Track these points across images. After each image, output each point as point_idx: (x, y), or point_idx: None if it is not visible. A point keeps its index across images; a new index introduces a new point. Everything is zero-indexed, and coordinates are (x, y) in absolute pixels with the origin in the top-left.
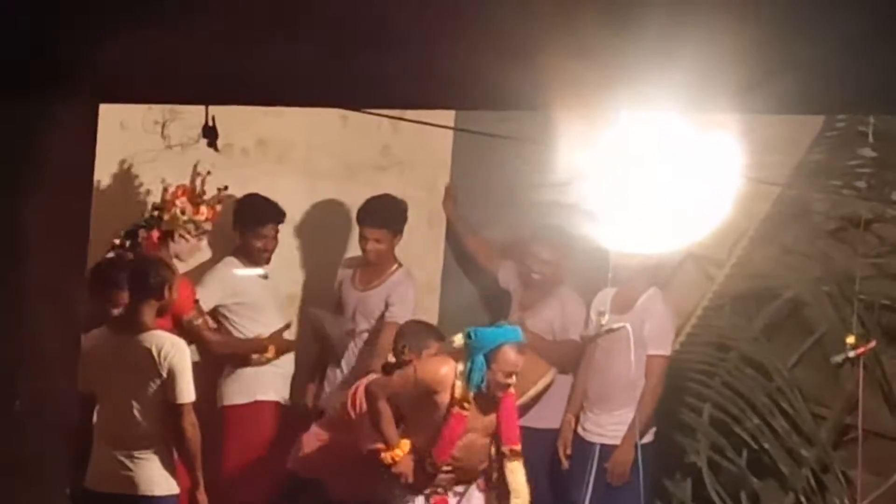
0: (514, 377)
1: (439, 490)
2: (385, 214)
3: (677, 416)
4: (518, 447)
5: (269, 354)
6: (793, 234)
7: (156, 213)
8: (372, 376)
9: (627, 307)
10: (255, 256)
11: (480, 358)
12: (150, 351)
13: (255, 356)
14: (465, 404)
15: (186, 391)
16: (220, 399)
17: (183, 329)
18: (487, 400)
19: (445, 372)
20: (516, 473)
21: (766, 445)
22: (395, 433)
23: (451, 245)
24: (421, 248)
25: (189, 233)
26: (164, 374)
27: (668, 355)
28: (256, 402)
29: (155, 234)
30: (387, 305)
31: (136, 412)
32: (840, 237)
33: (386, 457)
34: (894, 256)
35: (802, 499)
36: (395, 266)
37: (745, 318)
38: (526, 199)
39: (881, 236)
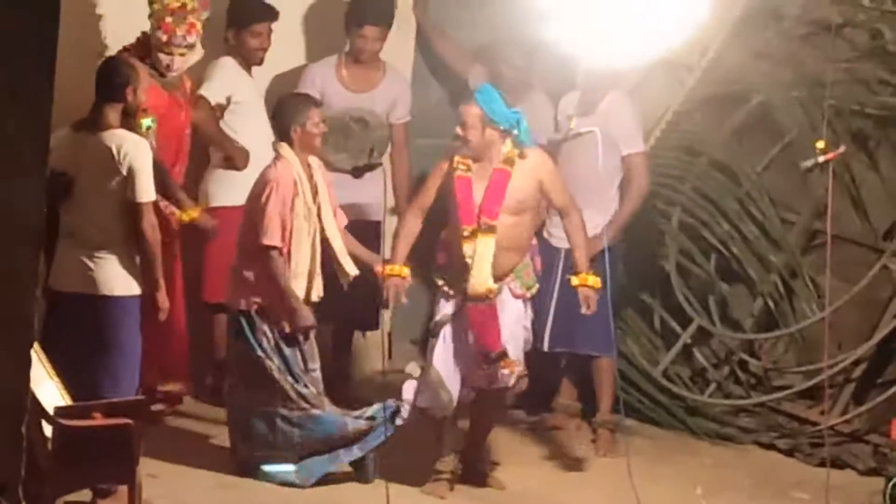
0: (461, 130)
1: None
2: (385, 10)
3: (647, 221)
4: (491, 221)
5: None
6: (763, 38)
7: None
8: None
9: (591, 110)
10: (249, 56)
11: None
12: (110, 149)
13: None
14: (461, 165)
15: (146, 190)
16: (205, 200)
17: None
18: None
19: None
20: (479, 247)
21: (735, 250)
22: (405, 254)
23: (421, 48)
24: (391, 51)
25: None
26: (124, 173)
27: (645, 151)
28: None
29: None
30: (393, 106)
31: (97, 211)
32: (811, 42)
33: (387, 270)
34: (865, 61)
35: (770, 304)
36: (383, 63)
37: (715, 122)
38: (497, 4)
39: (852, 41)
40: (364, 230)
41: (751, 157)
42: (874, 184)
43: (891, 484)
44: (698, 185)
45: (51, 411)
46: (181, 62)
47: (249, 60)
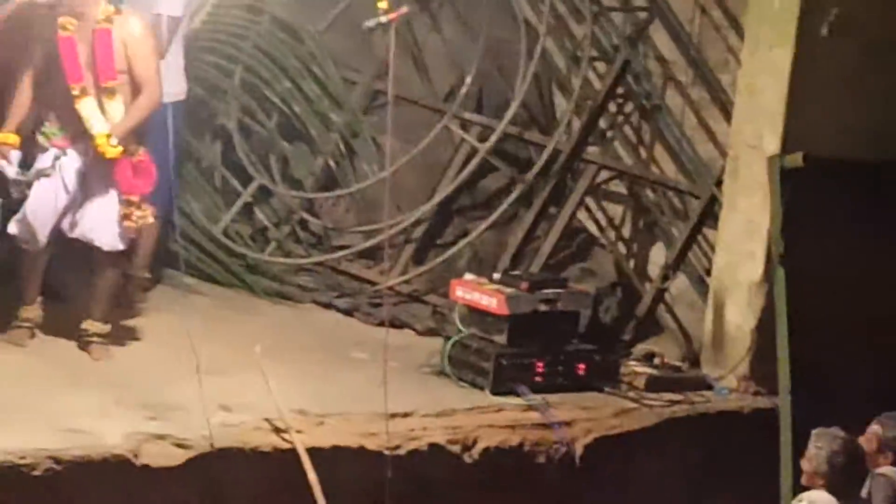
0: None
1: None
2: None
3: (208, 79)
4: (113, 83)
5: None
6: None
7: None
8: None
9: None
10: None
11: None
12: None
13: None
14: (68, 26)
15: None
16: None
17: None
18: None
19: None
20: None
21: (297, 109)
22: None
23: None
24: None
25: None
26: None
27: (179, 17)
28: None
29: None
30: None
31: None
32: None
33: None
34: None
35: (332, 163)
36: None
37: None
38: None
39: None
40: None
41: (313, 16)
42: (436, 46)
43: (449, 343)
44: (260, 44)
45: None
46: None
47: None
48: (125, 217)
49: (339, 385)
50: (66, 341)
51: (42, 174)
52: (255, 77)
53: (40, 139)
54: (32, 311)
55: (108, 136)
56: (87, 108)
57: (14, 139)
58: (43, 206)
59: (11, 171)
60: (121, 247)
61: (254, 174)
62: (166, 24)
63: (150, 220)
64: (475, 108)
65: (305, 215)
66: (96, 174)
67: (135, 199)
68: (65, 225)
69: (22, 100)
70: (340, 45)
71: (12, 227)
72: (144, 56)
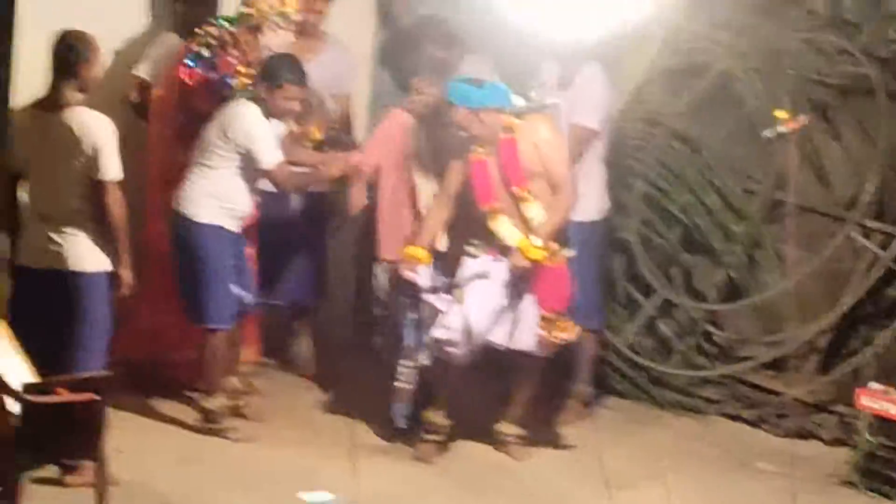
0: (463, 131)
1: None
2: None
3: (609, 192)
4: (522, 191)
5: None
6: (723, 7)
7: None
8: None
9: (567, 84)
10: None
11: None
12: (71, 129)
13: None
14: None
15: (110, 168)
16: None
17: None
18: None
19: None
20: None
21: (698, 221)
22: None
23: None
24: (349, 26)
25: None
26: (89, 152)
27: (595, 129)
28: None
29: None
30: (334, 79)
31: (63, 189)
32: (771, 12)
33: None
34: (824, 31)
35: (734, 274)
36: (325, 35)
37: (674, 93)
38: None
39: (812, 10)
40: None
41: (711, 127)
42: (836, 153)
43: (857, 453)
44: (660, 157)
45: (16, 388)
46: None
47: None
48: (546, 333)
49: (744, 497)
50: (472, 451)
51: (480, 276)
52: (655, 189)
53: (471, 250)
54: (440, 419)
55: (529, 240)
56: (500, 225)
57: (423, 255)
58: (479, 309)
59: (423, 281)
60: (540, 353)
61: (656, 287)
62: (581, 135)
63: (572, 335)
64: (876, 216)
65: (709, 327)
66: (519, 284)
67: (551, 315)
68: (495, 336)
69: (438, 220)
70: (739, 155)
71: (438, 332)
72: (556, 157)
